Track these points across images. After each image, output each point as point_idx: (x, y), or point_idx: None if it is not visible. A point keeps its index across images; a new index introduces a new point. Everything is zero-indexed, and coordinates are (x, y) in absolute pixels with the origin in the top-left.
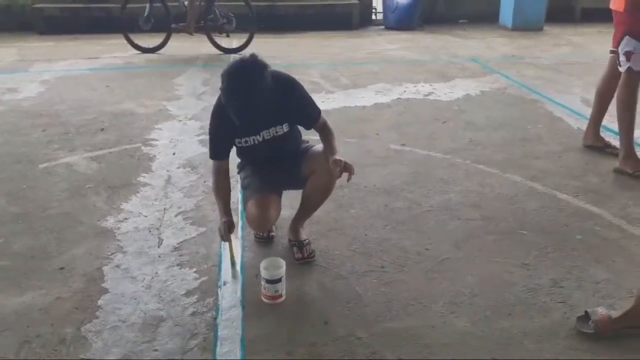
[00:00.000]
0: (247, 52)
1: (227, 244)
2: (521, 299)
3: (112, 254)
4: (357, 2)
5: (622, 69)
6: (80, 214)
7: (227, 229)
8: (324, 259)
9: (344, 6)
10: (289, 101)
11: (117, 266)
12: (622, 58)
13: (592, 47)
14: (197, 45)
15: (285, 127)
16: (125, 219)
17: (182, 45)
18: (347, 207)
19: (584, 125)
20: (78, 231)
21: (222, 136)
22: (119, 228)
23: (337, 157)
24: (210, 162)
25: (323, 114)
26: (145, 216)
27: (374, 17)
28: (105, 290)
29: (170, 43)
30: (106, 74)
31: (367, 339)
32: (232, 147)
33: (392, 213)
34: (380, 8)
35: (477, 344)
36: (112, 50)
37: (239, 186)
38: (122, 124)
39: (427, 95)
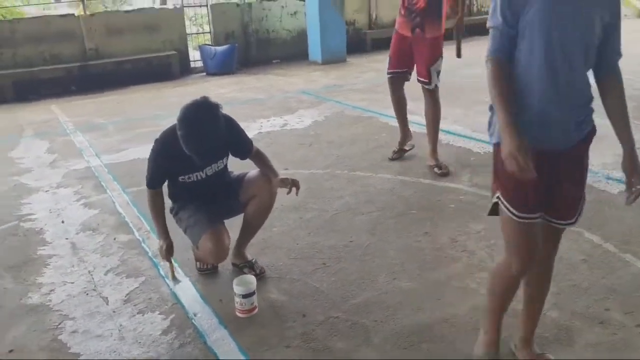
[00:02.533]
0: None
1: (166, 263)
2: (435, 256)
3: (59, 323)
4: (175, 52)
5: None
6: None
7: (168, 251)
8: (273, 271)
9: (162, 57)
10: (230, 137)
11: (74, 331)
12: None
13: None
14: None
15: (224, 161)
16: (51, 290)
17: None
18: (269, 228)
19: (416, 129)
20: (3, 314)
21: (164, 173)
22: (50, 300)
23: (281, 176)
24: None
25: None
26: (72, 283)
27: (193, 65)
28: (77, 355)
29: None
30: None
31: (342, 315)
32: (171, 181)
33: (308, 222)
34: (197, 56)
35: (423, 294)
36: None
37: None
38: None
39: (283, 127)
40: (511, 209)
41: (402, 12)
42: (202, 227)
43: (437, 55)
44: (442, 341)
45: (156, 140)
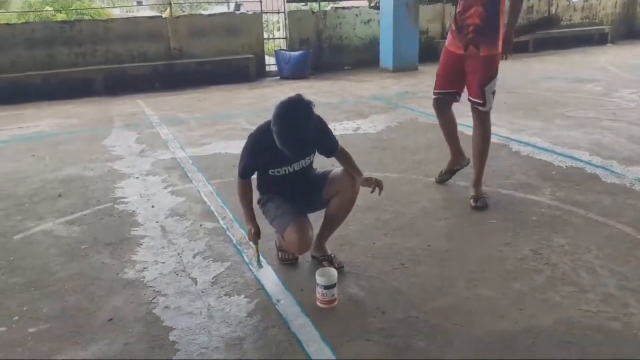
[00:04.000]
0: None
1: (253, 247)
2: (517, 267)
3: (153, 298)
4: (252, 56)
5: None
6: (93, 272)
7: (256, 234)
8: (351, 268)
9: (240, 60)
10: (319, 134)
11: (166, 307)
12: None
13: None
14: None
15: (311, 157)
16: (144, 268)
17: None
18: (345, 226)
19: (493, 139)
20: (102, 286)
21: (255, 165)
22: (144, 277)
23: (366, 175)
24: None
25: None
26: (163, 262)
27: (267, 69)
28: (170, 328)
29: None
30: (23, 145)
31: (422, 316)
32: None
33: (385, 224)
34: (271, 61)
35: (503, 304)
36: (11, 123)
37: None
38: (77, 188)
39: (355, 130)
40: None
41: (454, 27)
42: (289, 218)
43: (492, 74)
44: (526, 351)
45: (250, 135)
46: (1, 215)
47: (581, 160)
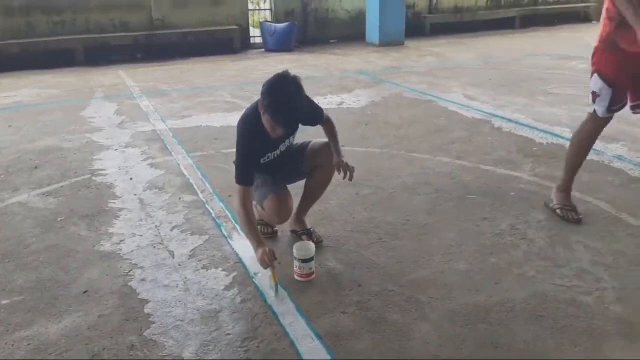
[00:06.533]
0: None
1: (270, 270)
2: (494, 242)
3: (129, 271)
4: (236, 27)
5: (589, 109)
6: (69, 243)
7: (272, 254)
8: (330, 241)
9: (224, 31)
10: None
11: (143, 279)
12: (590, 96)
13: (450, 55)
14: None
15: (294, 133)
16: (121, 240)
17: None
18: (325, 200)
19: (476, 115)
20: (79, 258)
21: (253, 156)
22: (120, 249)
23: (342, 159)
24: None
25: None
26: (140, 235)
27: (252, 41)
28: (146, 301)
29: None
30: (0, 115)
31: (398, 289)
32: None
33: (365, 198)
34: (256, 32)
35: (479, 277)
36: None
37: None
38: (55, 159)
39: (339, 105)
40: None
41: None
42: (268, 188)
43: None
44: (499, 324)
45: (239, 124)
46: None
47: (562, 137)
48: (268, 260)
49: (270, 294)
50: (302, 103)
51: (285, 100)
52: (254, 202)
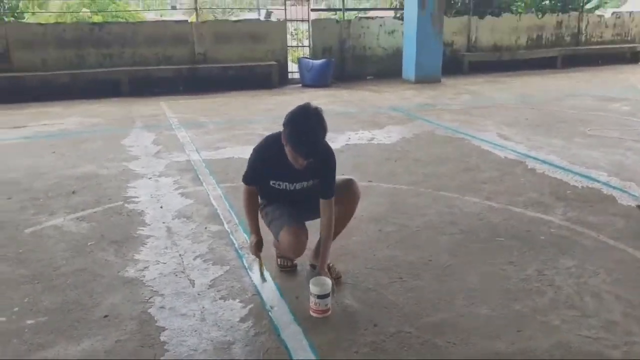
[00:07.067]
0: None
1: (256, 259)
2: (520, 287)
3: (150, 298)
4: (275, 63)
5: None
6: (96, 268)
7: (257, 246)
8: (349, 278)
9: (263, 67)
10: (324, 168)
11: (162, 307)
12: None
13: (487, 94)
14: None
15: (314, 183)
16: (145, 267)
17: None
18: (347, 236)
19: (509, 155)
20: (103, 283)
21: (260, 172)
22: (143, 276)
23: (324, 269)
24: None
25: None
26: (164, 263)
27: (290, 76)
28: (163, 328)
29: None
30: (45, 142)
31: (415, 332)
32: (264, 184)
33: (388, 236)
34: (294, 68)
35: (501, 323)
36: (37, 119)
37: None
38: (92, 185)
39: (370, 140)
40: None
41: None
42: (284, 221)
43: None
44: None
45: (259, 143)
46: (16, 208)
47: (598, 181)
48: (253, 252)
49: (255, 277)
50: (323, 134)
51: (307, 130)
52: (273, 240)
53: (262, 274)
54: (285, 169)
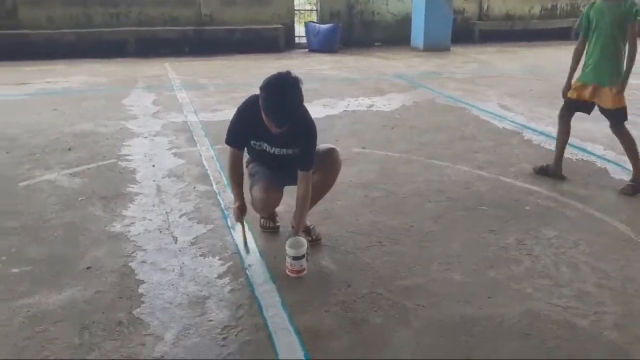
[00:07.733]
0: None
1: (239, 225)
2: (497, 255)
3: (132, 252)
4: (282, 26)
5: None
6: (84, 222)
7: (240, 212)
8: (329, 241)
9: (270, 30)
10: (303, 140)
11: (143, 262)
12: None
13: (496, 64)
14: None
15: (294, 152)
16: (131, 223)
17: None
18: (333, 200)
19: (507, 125)
20: (89, 237)
21: (240, 131)
22: (129, 231)
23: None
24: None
25: None
26: (150, 220)
27: (297, 40)
28: (142, 281)
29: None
30: (47, 99)
31: (386, 294)
32: (246, 144)
33: (373, 201)
34: (301, 32)
35: (474, 290)
36: (41, 77)
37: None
38: (88, 143)
39: (369, 107)
40: None
41: None
42: (258, 178)
43: None
44: (484, 338)
45: (240, 104)
46: (13, 163)
47: (593, 154)
48: (236, 218)
49: (240, 247)
50: (296, 100)
51: (280, 99)
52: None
53: (245, 244)
54: (265, 131)
